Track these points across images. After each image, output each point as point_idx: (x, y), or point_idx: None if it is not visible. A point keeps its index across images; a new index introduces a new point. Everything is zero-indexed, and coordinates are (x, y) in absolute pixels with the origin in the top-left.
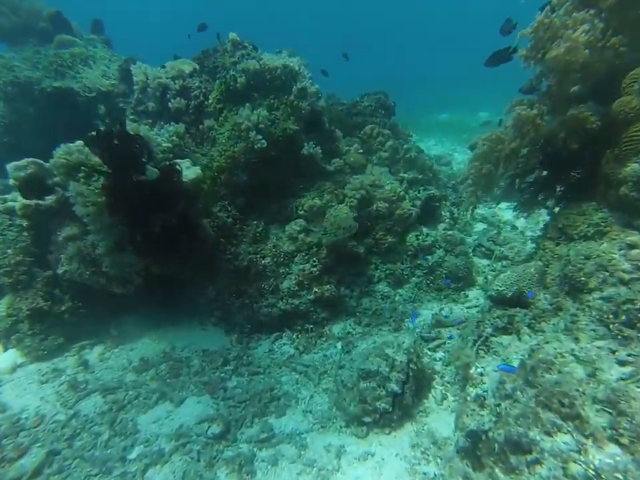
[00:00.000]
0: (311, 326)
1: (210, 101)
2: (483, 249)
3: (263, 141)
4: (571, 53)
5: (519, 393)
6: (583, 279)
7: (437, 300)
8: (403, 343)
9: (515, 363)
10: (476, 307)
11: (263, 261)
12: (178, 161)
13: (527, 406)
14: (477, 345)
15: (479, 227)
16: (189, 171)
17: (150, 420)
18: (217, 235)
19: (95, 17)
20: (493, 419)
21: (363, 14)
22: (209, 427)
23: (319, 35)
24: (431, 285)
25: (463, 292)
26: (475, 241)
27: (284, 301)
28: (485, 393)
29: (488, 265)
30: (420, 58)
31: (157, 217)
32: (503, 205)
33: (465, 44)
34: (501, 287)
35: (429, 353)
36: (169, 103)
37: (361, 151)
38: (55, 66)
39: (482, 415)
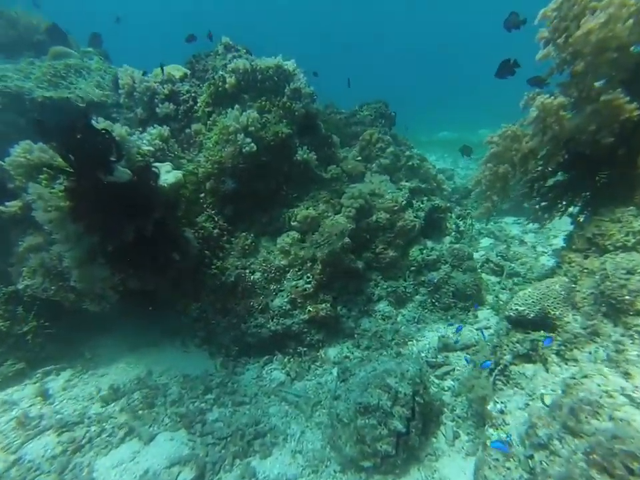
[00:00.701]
0: (305, 349)
1: (198, 105)
2: (492, 265)
3: (252, 144)
4: (609, 24)
5: (556, 442)
6: (626, 297)
7: (444, 320)
8: (407, 371)
9: (547, 400)
10: (487, 328)
11: (252, 277)
12: (157, 164)
13: (573, 464)
14: (493, 374)
15: (485, 241)
16: (169, 175)
17: (110, 464)
18: (202, 247)
19: (94, 30)
20: (525, 476)
21: (361, 27)
22: (180, 472)
23: (318, 46)
24: (436, 303)
25: (472, 312)
26: (482, 256)
27: (274, 320)
28: (510, 439)
29: (498, 282)
30: (417, 75)
31: (130, 224)
32: (509, 219)
33: (461, 61)
34: (521, 306)
35: (436, 381)
36: (157, 108)
37: (360, 158)
38: (49, 76)
39: (509, 469)
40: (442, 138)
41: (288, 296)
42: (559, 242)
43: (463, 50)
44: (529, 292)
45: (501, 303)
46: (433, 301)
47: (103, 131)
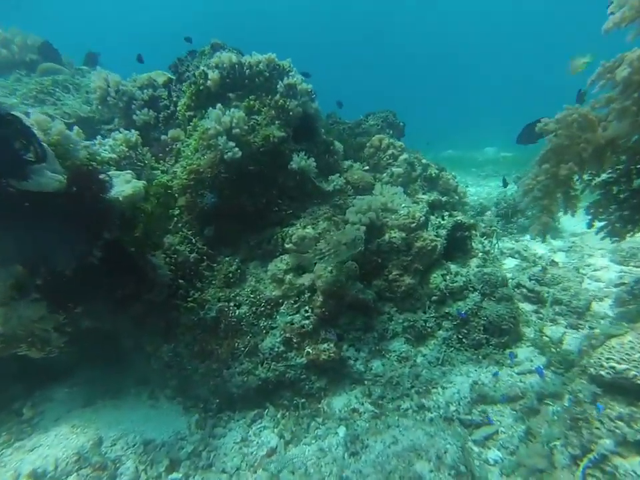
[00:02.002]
0: (303, 400)
1: (178, 108)
2: (525, 291)
3: (237, 149)
4: None
5: None
6: None
7: (474, 362)
8: (445, 452)
9: None
10: (530, 372)
11: (237, 311)
12: (113, 172)
13: None
14: (581, 467)
15: (510, 262)
16: (127, 186)
17: None
18: (175, 276)
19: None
20: None
21: (365, 40)
22: None
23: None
24: (464, 340)
25: (508, 350)
26: (511, 280)
27: (265, 365)
28: None
29: (536, 312)
30: (420, 91)
31: (68, 248)
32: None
33: (466, 77)
34: (619, 362)
35: (475, 448)
36: (134, 116)
37: (367, 167)
38: (34, 92)
39: None
40: (447, 156)
41: (281, 335)
42: (596, 262)
43: (468, 67)
44: (630, 341)
45: (546, 339)
46: (460, 337)
47: (12, 120)
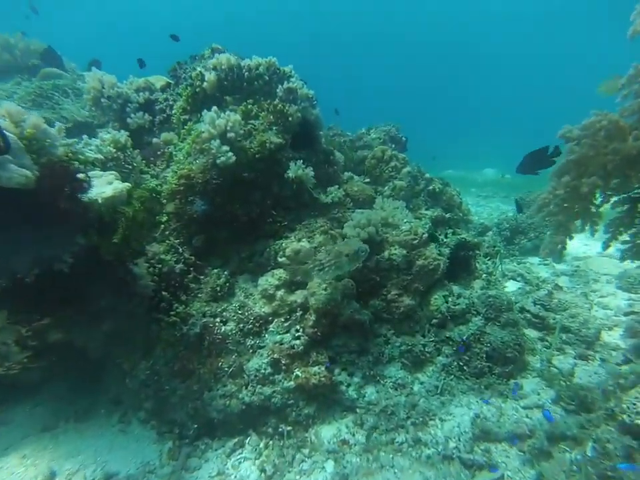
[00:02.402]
0: (289, 428)
1: (174, 111)
2: (529, 316)
3: (230, 154)
4: None
5: None
6: None
7: (476, 392)
8: None
9: None
10: (537, 407)
11: (223, 328)
12: (94, 172)
13: None
14: None
15: (512, 285)
16: (108, 187)
17: None
18: (159, 287)
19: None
20: None
21: (364, 54)
22: None
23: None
24: (465, 368)
25: (513, 380)
26: (515, 304)
27: (250, 388)
28: None
29: (541, 340)
30: (420, 110)
31: (33, 252)
32: (533, 259)
33: (467, 95)
34: None
35: None
36: (129, 119)
37: (368, 180)
38: (33, 96)
39: None
40: (447, 176)
41: (269, 355)
42: (602, 288)
43: (467, 88)
44: None
45: (554, 370)
46: (461, 364)
47: None
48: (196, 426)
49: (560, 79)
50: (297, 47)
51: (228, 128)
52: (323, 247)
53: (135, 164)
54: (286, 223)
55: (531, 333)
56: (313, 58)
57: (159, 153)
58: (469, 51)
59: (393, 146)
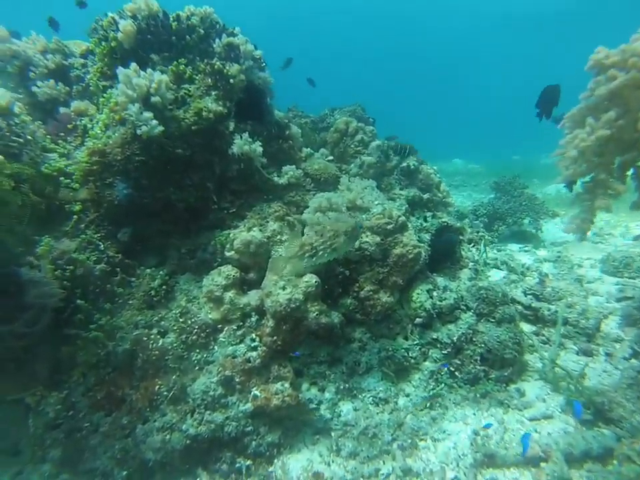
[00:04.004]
0: (248, 462)
1: (89, 76)
2: (520, 308)
3: (154, 122)
4: None
5: None
6: None
7: (472, 402)
8: None
9: None
10: (546, 417)
11: (160, 341)
12: None
13: None
14: None
15: (496, 274)
16: None
17: None
18: (72, 294)
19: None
20: None
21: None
22: None
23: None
24: (457, 374)
25: (513, 385)
26: None
27: (196, 416)
28: None
29: (537, 334)
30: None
31: None
32: (514, 246)
33: (438, 85)
34: None
35: None
36: (34, 88)
37: (331, 157)
38: None
39: None
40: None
41: (220, 372)
42: (586, 273)
43: (437, 79)
44: None
45: (560, 372)
46: (452, 369)
47: None
48: (125, 473)
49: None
50: (272, 30)
51: (152, 90)
52: (312, 230)
53: (28, 137)
54: (234, 210)
55: (524, 327)
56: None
57: (69, 126)
58: (437, 41)
59: None
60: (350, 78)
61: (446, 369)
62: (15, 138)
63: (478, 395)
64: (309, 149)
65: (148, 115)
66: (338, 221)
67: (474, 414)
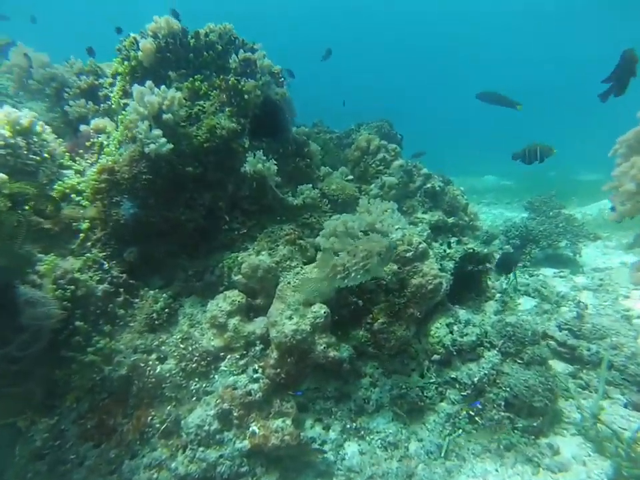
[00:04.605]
0: None
1: (112, 94)
2: (554, 345)
3: (163, 140)
4: None
5: None
6: None
7: (494, 455)
8: None
9: None
10: None
11: (159, 368)
12: None
13: None
14: None
15: (526, 302)
16: None
17: None
18: (72, 315)
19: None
20: None
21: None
22: None
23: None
24: (477, 420)
25: (544, 439)
26: None
27: (187, 453)
28: None
29: (573, 377)
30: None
31: None
32: (549, 270)
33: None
34: None
35: None
36: (67, 107)
37: (351, 176)
38: None
39: None
40: None
41: (217, 404)
42: (635, 306)
43: (467, 95)
44: None
45: (606, 431)
46: (472, 414)
47: None
48: None
49: (558, 83)
50: (290, 48)
51: (164, 107)
52: (344, 250)
53: (45, 154)
54: (245, 231)
55: (557, 366)
56: (309, 60)
57: (87, 143)
58: (470, 56)
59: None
60: (380, 88)
61: (476, 406)
62: (32, 156)
63: (501, 447)
64: (327, 167)
65: (157, 132)
66: (370, 241)
67: (496, 470)
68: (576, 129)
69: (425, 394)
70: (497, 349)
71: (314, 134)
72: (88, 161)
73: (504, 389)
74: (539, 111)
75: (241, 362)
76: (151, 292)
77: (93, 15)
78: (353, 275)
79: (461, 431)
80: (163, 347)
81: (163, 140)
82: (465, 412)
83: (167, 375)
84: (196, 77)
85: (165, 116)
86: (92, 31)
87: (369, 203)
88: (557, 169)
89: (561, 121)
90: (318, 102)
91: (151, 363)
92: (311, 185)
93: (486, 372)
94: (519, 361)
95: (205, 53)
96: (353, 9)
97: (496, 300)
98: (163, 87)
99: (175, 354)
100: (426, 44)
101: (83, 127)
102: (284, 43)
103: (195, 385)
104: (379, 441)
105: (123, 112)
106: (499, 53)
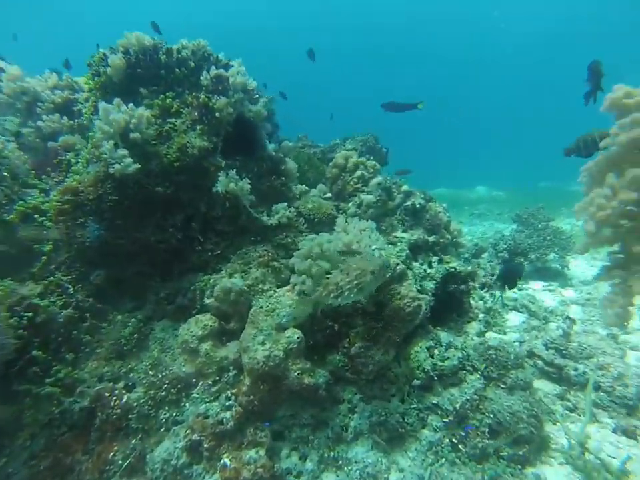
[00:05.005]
0: None
1: (84, 111)
2: (541, 364)
3: (129, 160)
4: None
5: None
6: None
7: None
8: None
9: None
10: None
11: (125, 397)
12: None
13: None
14: None
15: (514, 319)
16: None
17: None
18: (29, 344)
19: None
20: None
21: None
22: None
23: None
24: (460, 447)
25: (531, 469)
26: (517, 344)
27: None
28: None
29: (560, 398)
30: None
31: None
32: (538, 283)
33: (460, 112)
34: None
35: None
36: (40, 122)
37: (329, 194)
38: None
39: None
40: (439, 194)
41: (187, 435)
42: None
43: (457, 105)
44: None
45: (594, 462)
46: (455, 441)
47: None
48: None
49: (550, 97)
50: (282, 59)
51: (131, 126)
52: (338, 268)
53: (6, 173)
54: (219, 252)
55: (545, 387)
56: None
57: (55, 161)
58: (461, 65)
59: (372, 158)
60: (367, 99)
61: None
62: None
63: (486, 478)
64: (303, 185)
65: (122, 152)
66: (364, 259)
67: None
68: (569, 139)
69: (406, 420)
70: (479, 372)
71: (298, 148)
72: (55, 179)
73: (487, 415)
74: (531, 122)
75: (214, 389)
76: (119, 316)
77: (75, 32)
78: (346, 293)
79: (444, 460)
80: (131, 374)
81: (129, 160)
82: (447, 440)
83: (135, 404)
84: (167, 94)
85: (132, 134)
86: (75, 47)
87: (346, 222)
88: (550, 179)
89: (553, 131)
90: (305, 114)
91: (117, 392)
92: (286, 204)
93: (468, 397)
94: (502, 386)
95: (176, 70)
96: (344, 18)
97: (479, 321)
98: (130, 104)
99: (144, 381)
100: (419, 53)
101: (50, 144)
102: (277, 56)
103: (165, 414)
104: (358, 471)
105: (93, 129)
106: (492, 64)
